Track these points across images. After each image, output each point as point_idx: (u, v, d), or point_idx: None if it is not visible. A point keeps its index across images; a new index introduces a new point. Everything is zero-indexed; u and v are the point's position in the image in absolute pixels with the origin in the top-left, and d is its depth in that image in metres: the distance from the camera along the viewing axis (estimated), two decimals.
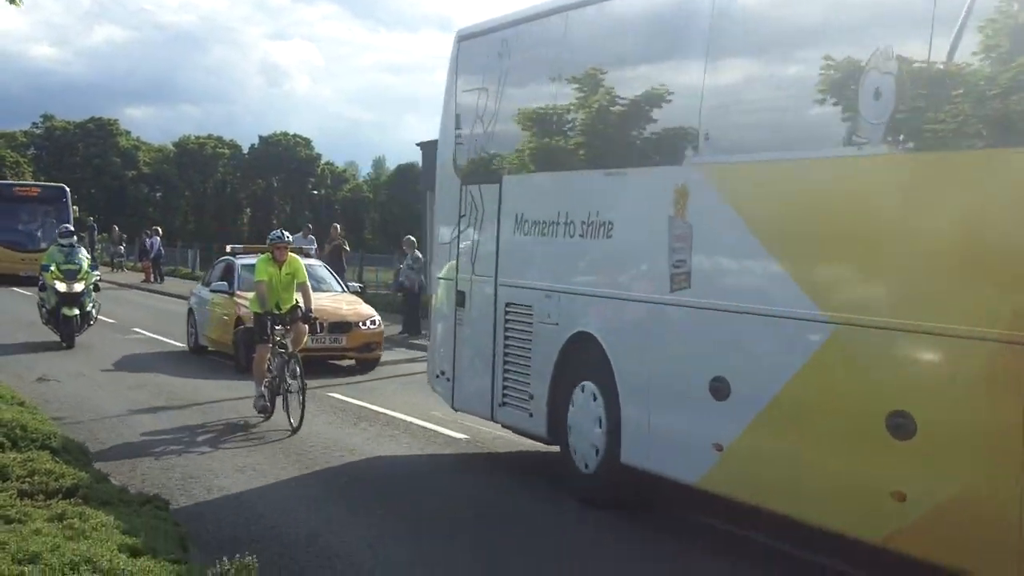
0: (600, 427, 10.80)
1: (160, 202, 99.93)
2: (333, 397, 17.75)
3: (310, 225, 40.63)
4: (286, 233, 15.91)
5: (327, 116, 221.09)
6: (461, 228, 13.26)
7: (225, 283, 22.10)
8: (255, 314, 15.60)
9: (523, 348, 12.02)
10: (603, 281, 10.88)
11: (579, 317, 11.19)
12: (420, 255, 28.17)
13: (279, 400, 15.14)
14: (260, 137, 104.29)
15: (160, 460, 12.85)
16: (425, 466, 12.84)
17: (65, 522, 8.10)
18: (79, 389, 18.15)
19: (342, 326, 21.00)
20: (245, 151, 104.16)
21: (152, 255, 49.94)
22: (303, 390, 14.75)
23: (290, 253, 15.65)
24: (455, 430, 14.91)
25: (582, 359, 11.10)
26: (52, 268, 23.49)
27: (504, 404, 12.37)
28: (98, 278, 24.72)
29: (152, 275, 49.07)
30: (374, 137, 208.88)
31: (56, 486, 9.32)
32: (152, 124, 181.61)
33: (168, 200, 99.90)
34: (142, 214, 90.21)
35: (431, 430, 15.02)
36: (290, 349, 15.13)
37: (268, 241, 15.68)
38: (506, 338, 12.27)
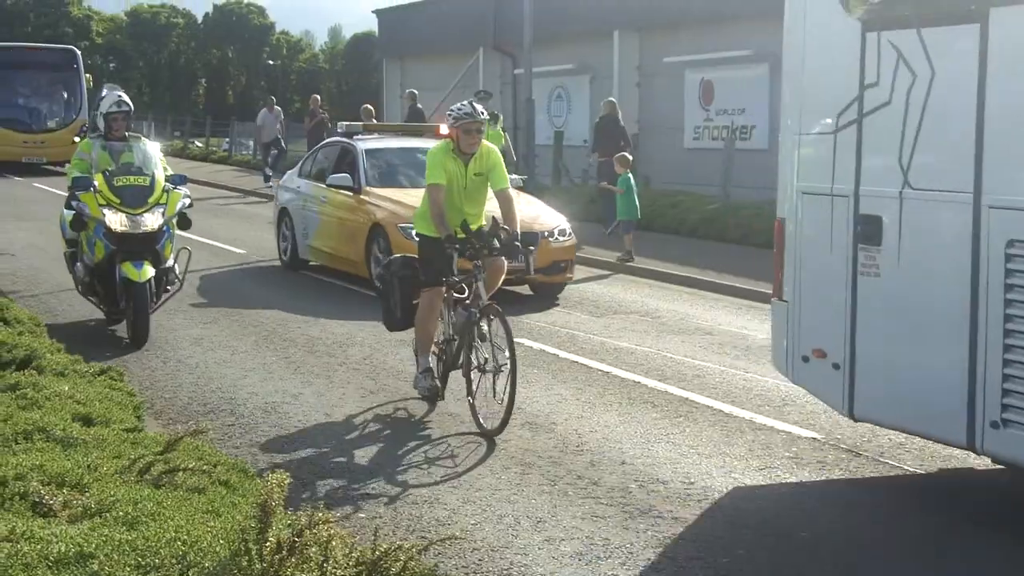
0: None
1: (114, 73, 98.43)
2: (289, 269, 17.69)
3: (273, 98, 36.93)
4: (478, 107, 9.74)
5: None
6: (866, 107, 7.87)
7: (347, 176, 16.40)
8: (423, 238, 9.91)
9: None
10: None
11: None
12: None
13: (465, 381, 9.62)
14: (214, 6, 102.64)
15: (117, 333, 12.82)
16: (380, 335, 12.84)
17: (18, 392, 8.10)
18: (34, 262, 18.04)
19: (526, 238, 12.83)
20: (199, 20, 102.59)
21: None
22: (513, 367, 9.06)
23: (484, 141, 9.92)
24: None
25: None
26: (98, 182, 12.40)
27: (1008, 423, 7.01)
28: (187, 201, 12.91)
29: None
30: (329, 5, 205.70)
31: (9, 357, 9.30)
32: None
33: (122, 71, 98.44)
34: (96, 86, 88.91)
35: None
36: (483, 297, 9.51)
37: (452, 119, 9.70)
38: (1010, 302, 6.97)
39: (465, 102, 9.79)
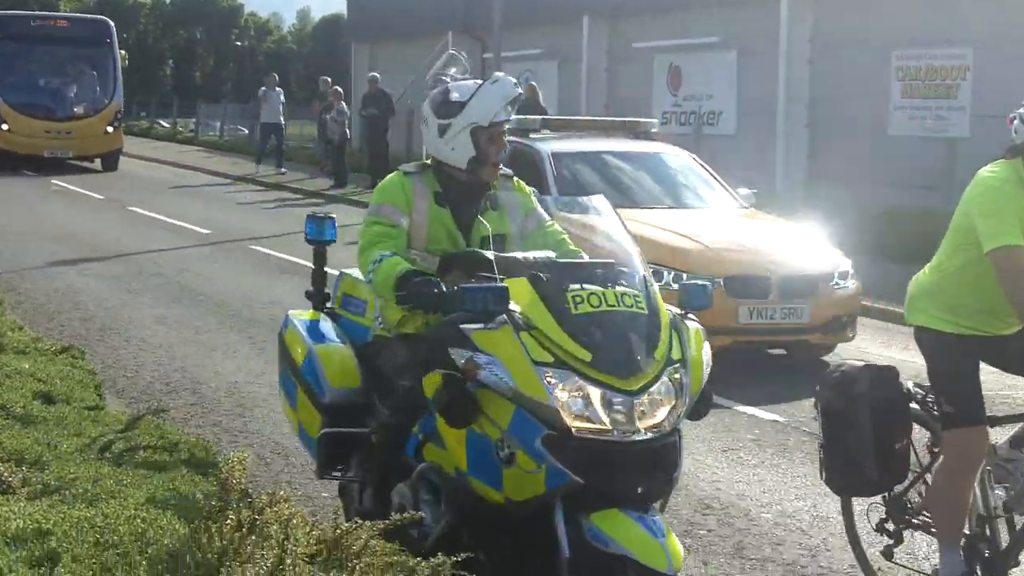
0: None
1: None
2: (255, 249, 17.64)
3: (276, 75, 32.55)
4: None
5: None
6: None
7: (533, 190, 10.47)
8: (946, 338, 5.55)
9: None
10: None
11: None
12: (346, 107, 27.89)
13: None
14: None
15: (79, 311, 12.74)
16: None
17: None
18: None
19: (801, 283, 10.97)
20: (167, 1, 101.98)
21: None
22: None
23: None
24: None
25: None
26: (528, 309, 4.78)
27: None
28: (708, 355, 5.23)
29: None
30: None
31: None
32: None
33: None
34: None
35: None
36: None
37: None
38: None
39: None
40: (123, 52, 33.43)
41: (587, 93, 29.85)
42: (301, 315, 6.28)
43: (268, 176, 29.23)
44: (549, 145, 12.67)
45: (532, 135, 12.97)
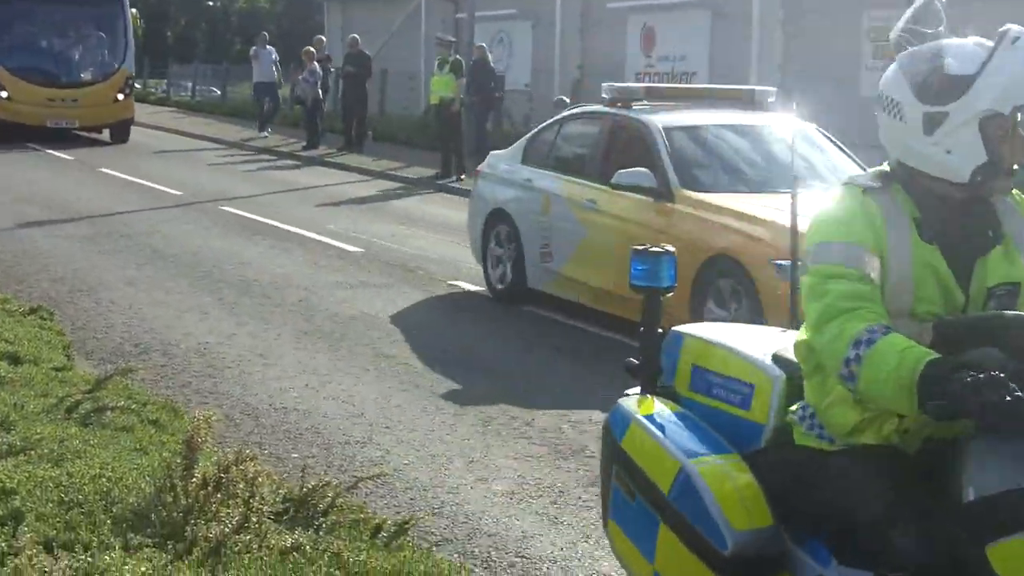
0: None
1: None
2: (226, 211, 17.57)
3: (265, 34, 31.34)
4: None
5: None
6: None
7: (645, 172, 10.19)
8: None
9: None
10: None
11: None
12: (318, 67, 27.74)
13: None
14: None
15: (48, 272, 12.68)
16: (316, 277, 12.79)
17: None
18: None
19: None
20: None
21: None
22: None
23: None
24: (350, 243, 14.89)
25: None
26: None
27: None
28: None
29: None
30: None
31: None
32: None
33: None
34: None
35: (326, 243, 14.97)
36: None
37: None
38: None
39: None
40: (134, 12, 30.32)
41: (561, 55, 29.76)
42: (639, 404, 4.12)
43: (256, 140, 28.92)
44: (658, 117, 10.80)
45: (633, 106, 11.13)
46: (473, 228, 12.46)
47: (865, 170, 10.34)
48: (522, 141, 12.45)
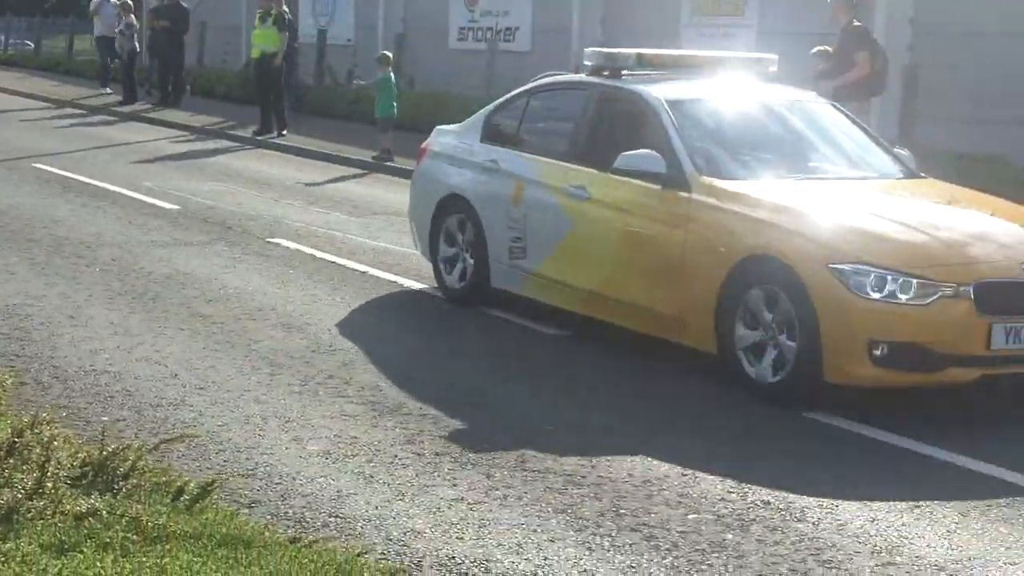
0: None
1: None
2: (39, 168, 17.03)
3: None
4: None
5: None
6: None
7: (655, 155, 8.61)
8: None
9: None
10: None
11: None
12: (135, 20, 27.04)
13: None
14: None
15: None
16: (131, 235, 12.47)
17: None
18: None
19: None
20: None
21: None
22: None
23: None
24: (167, 201, 14.56)
25: None
26: None
27: None
28: None
29: None
30: None
31: None
32: None
33: None
34: None
35: (141, 200, 14.62)
36: None
37: None
38: None
39: None
40: None
41: (385, 11, 29.43)
42: None
43: (86, 98, 27.92)
44: (658, 90, 9.23)
45: (626, 75, 9.68)
46: (419, 216, 10.69)
47: (897, 158, 9.33)
48: (479, 115, 10.65)
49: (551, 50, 24.02)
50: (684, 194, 8.43)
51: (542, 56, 24.21)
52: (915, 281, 7.34)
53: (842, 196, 8.47)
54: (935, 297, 7.34)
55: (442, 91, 24.81)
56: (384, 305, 10.04)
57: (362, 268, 11.34)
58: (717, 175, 8.52)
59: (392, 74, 19.25)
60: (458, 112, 22.57)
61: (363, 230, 13.39)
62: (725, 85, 9.71)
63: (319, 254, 11.91)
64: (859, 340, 7.35)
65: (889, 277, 7.36)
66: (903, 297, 7.34)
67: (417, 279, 10.91)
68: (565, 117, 9.89)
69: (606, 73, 9.67)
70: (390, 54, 20.01)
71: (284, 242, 12.38)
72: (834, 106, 9.99)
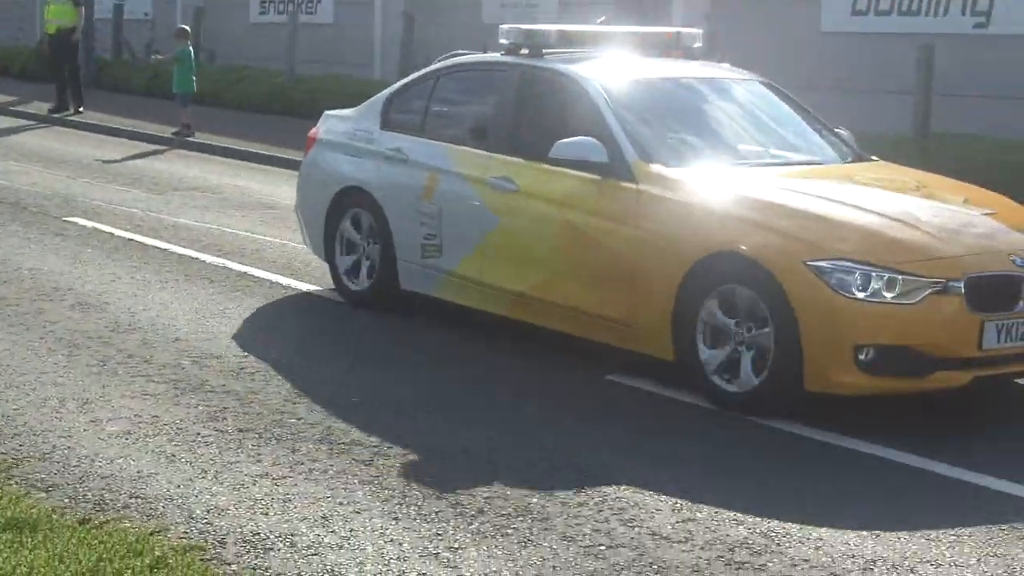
0: None
1: None
2: None
3: None
4: None
5: None
6: None
7: (595, 143, 7.79)
8: None
9: None
10: None
11: None
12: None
13: None
14: None
15: None
16: None
17: None
18: None
19: None
20: None
21: None
22: None
23: None
24: None
25: None
26: None
27: None
28: None
29: None
30: None
31: None
32: None
33: None
34: None
35: None
36: None
37: None
38: None
39: None
40: None
41: None
42: None
43: None
44: (589, 69, 8.42)
45: (548, 54, 8.73)
46: (310, 211, 9.70)
47: (841, 139, 8.80)
48: (376, 99, 9.64)
49: (354, 22, 23.88)
50: (629, 184, 7.63)
51: (345, 27, 24.08)
52: (901, 277, 6.69)
53: (805, 184, 7.67)
54: (924, 295, 6.68)
55: (244, 65, 24.50)
56: (185, 282, 9.86)
57: (162, 245, 11.12)
58: (663, 162, 7.71)
59: (191, 48, 18.97)
60: (256, 86, 22.39)
61: (164, 207, 13.13)
62: (657, 64, 8.95)
63: (118, 232, 11.64)
64: (844, 344, 6.65)
65: (874, 274, 6.69)
66: (888, 295, 6.68)
67: (218, 255, 10.74)
68: (481, 101, 8.98)
69: (525, 52, 8.72)
70: (188, 28, 19.73)
71: (81, 221, 12.07)
72: (769, 85, 9.04)
